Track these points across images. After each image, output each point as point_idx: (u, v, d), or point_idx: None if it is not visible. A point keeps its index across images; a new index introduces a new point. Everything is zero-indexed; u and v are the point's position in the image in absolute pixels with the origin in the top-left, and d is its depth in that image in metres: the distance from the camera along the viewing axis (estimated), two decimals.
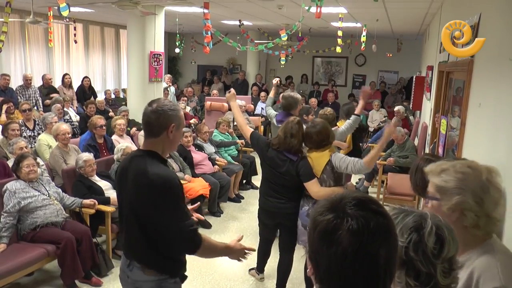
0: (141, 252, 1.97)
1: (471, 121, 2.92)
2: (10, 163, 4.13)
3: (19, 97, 7.46)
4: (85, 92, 9.38)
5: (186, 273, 2.10)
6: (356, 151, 5.24)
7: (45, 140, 5.23)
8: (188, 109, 9.17)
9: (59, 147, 4.80)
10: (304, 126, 3.37)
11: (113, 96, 10.32)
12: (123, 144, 4.86)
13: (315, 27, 9.83)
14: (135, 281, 2.00)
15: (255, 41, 8.36)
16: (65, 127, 4.86)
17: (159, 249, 1.94)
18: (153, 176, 1.86)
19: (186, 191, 4.85)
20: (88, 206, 3.95)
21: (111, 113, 7.70)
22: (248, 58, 12.83)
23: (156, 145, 1.97)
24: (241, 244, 2.11)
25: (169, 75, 10.87)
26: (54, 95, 7.84)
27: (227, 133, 6.69)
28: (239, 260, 2.14)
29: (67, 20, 8.02)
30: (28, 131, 5.81)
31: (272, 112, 4.79)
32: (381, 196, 5.81)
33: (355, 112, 4.28)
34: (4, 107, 6.36)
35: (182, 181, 2.39)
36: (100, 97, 9.65)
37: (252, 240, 3.85)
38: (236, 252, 2.10)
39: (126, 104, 7.81)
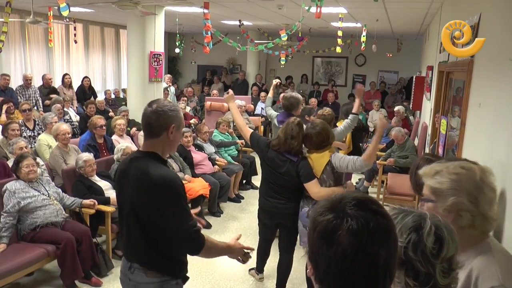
0: (143, 253, 1.96)
1: (471, 121, 2.92)
2: (10, 163, 4.13)
3: (19, 97, 7.46)
4: (85, 92, 9.38)
5: (187, 274, 2.11)
6: (356, 151, 5.25)
7: (45, 140, 5.23)
8: (188, 109, 9.17)
9: (59, 147, 4.80)
10: (305, 127, 3.36)
11: (113, 96, 10.32)
12: (123, 144, 4.86)
13: (315, 27, 9.83)
14: (137, 284, 1.99)
15: (255, 41, 8.36)
16: (65, 127, 4.86)
17: (161, 250, 1.93)
18: (156, 177, 1.85)
19: (186, 191, 4.84)
20: (88, 206, 3.95)
21: (111, 113, 7.70)
22: (248, 58, 12.83)
23: (156, 146, 1.96)
24: (240, 243, 2.12)
25: (169, 75, 10.87)
26: (54, 96, 7.83)
27: (227, 133, 6.69)
28: (239, 260, 2.14)
29: (67, 20, 8.02)
30: (28, 131, 5.81)
31: (272, 112, 4.79)
32: (381, 196, 5.81)
33: (353, 111, 4.28)
34: (4, 107, 6.36)
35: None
36: (100, 97, 9.65)
37: (252, 240, 3.85)
38: (235, 251, 2.10)
39: (126, 104, 7.81)
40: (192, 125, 7.96)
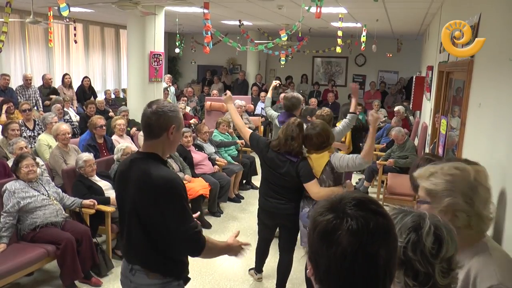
0: (144, 255, 1.95)
1: (471, 121, 2.92)
2: (10, 163, 4.13)
3: (19, 97, 7.46)
4: (85, 92, 9.38)
5: (188, 275, 2.10)
6: (356, 152, 5.23)
7: (45, 140, 5.23)
8: (188, 109, 9.17)
9: (59, 147, 4.80)
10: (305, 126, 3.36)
11: (113, 96, 10.32)
12: (123, 144, 4.86)
13: (315, 27, 9.83)
14: (138, 285, 1.98)
15: (255, 41, 8.35)
16: (65, 127, 4.86)
17: (163, 250, 1.93)
18: (157, 178, 1.85)
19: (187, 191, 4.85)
20: (88, 207, 3.95)
21: (111, 113, 7.70)
22: (248, 58, 12.83)
23: (156, 147, 1.96)
24: (238, 240, 2.12)
25: (169, 75, 10.87)
26: (53, 97, 7.83)
27: (227, 133, 6.69)
28: (237, 256, 2.14)
29: (67, 20, 8.03)
30: (28, 131, 5.81)
31: (273, 113, 4.78)
32: (381, 196, 5.81)
33: (350, 110, 4.28)
34: (4, 107, 6.36)
35: None
36: (100, 97, 9.65)
37: (252, 240, 3.83)
38: (234, 249, 2.10)
39: (126, 104, 7.81)
40: (192, 125, 7.96)
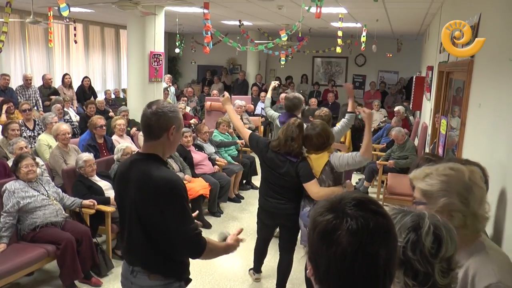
0: (145, 256, 1.94)
1: (471, 121, 2.92)
2: (10, 163, 4.13)
3: (19, 97, 7.46)
4: (85, 92, 9.38)
5: (189, 276, 2.10)
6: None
7: (45, 140, 5.23)
8: (188, 109, 9.17)
9: (59, 147, 4.80)
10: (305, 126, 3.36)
11: (113, 96, 10.32)
12: (123, 144, 4.86)
13: (315, 27, 9.83)
14: (139, 287, 1.98)
15: (255, 41, 8.36)
16: (65, 127, 4.86)
17: (163, 251, 1.93)
18: (158, 179, 1.84)
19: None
20: (87, 207, 3.95)
21: (111, 113, 7.70)
22: (248, 58, 12.82)
23: (156, 148, 1.95)
24: (238, 238, 2.13)
25: (169, 75, 10.87)
26: (53, 98, 7.83)
27: (227, 133, 6.69)
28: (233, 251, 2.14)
29: (67, 20, 8.02)
30: (28, 131, 5.81)
31: (274, 113, 4.77)
32: (381, 196, 5.81)
33: (348, 110, 4.27)
34: (4, 107, 6.36)
35: None
36: (100, 97, 9.65)
37: (252, 240, 3.84)
38: (232, 247, 2.10)
39: (126, 104, 7.81)
40: (192, 125, 7.96)
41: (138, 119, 6.52)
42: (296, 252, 3.56)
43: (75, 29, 9.36)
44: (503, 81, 2.12)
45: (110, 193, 4.24)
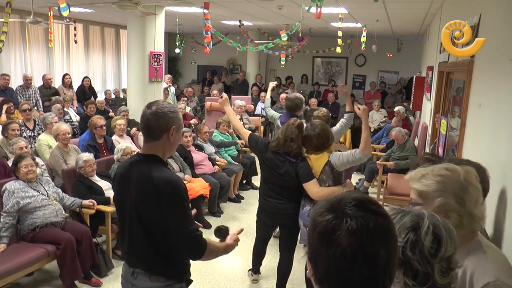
0: (146, 257, 1.94)
1: (471, 121, 2.92)
2: (10, 163, 4.13)
3: (19, 97, 7.46)
4: (85, 92, 9.38)
5: (190, 277, 2.10)
6: None
7: (45, 140, 5.23)
8: (188, 109, 9.17)
9: (59, 147, 4.80)
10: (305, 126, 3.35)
11: (113, 96, 10.32)
12: (123, 144, 4.86)
13: (315, 27, 9.83)
14: None
15: (255, 41, 8.35)
16: (65, 127, 4.86)
17: (164, 252, 1.92)
18: (159, 180, 1.84)
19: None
20: (87, 207, 3.95)
21: (111, 113, 7.70)
22: (248, 58, 12.82)
23: (156, 149, 1.94)
24: (238, 238, 2.13)
25: (169, 75, 10.87)
26: (53, 98, 7.83)
27: (227, 133, 6.69)
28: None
29: (67, 20, 8.02)
30: (28, 131, 5.81)
31: (274, 113, 4.77)
32: (381, 197, 5.81)
33: (346, 110, 4.27)
34: (4, 107, 6.36)
35: None
36: (100, 97, 9.65)
37: (252, 240, 3.85)
38: (232, 246, 2.10)
39: (126, 104, 7.81)
40: (192, 125, 7.96)
41: (138, 119, 6.52)
42: (296, 252, 3.56)
43: (75, 29, 9.36)
44: (503, 81, 2.12)
45: (110, 193, 4.23)
